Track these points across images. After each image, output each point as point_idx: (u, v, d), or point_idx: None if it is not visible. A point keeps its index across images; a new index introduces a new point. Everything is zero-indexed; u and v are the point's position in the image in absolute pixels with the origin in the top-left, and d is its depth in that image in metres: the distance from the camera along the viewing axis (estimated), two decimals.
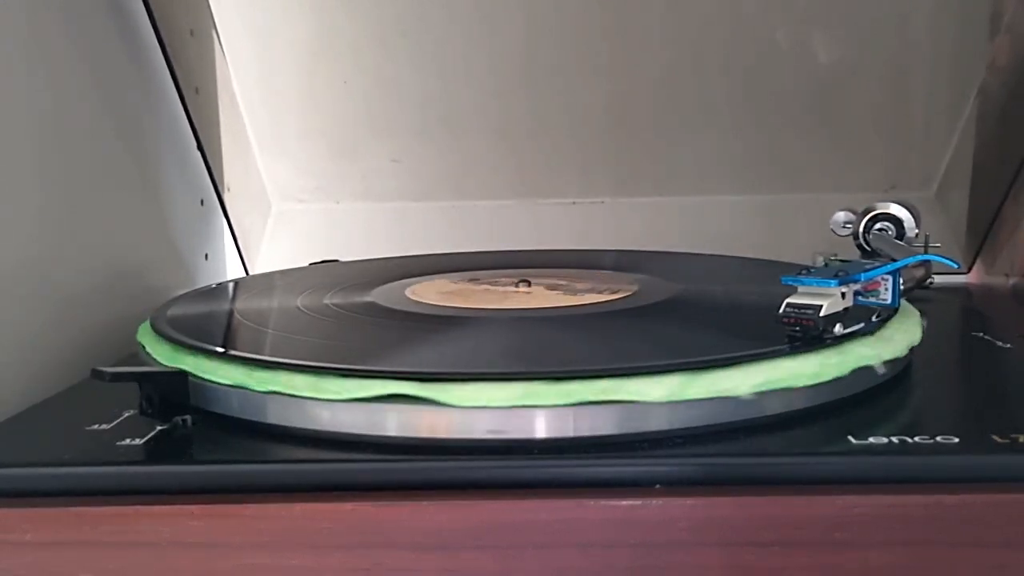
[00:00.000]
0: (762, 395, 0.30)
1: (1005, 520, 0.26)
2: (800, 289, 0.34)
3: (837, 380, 0.32)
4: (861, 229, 0.56)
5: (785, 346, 0.32)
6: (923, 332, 0.37)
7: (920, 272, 0.55)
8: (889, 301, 0.37)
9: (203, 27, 0.62)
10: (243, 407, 0.32)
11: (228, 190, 0.65)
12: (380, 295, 0.46)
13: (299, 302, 0.45)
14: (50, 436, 0.32)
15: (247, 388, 0.31)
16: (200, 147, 0.61)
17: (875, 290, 0.37)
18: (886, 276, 0.36)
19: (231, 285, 0.55)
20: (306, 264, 0.61)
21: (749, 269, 0.54)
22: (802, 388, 0.31)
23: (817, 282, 0.34)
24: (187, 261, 0.60)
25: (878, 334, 0.35)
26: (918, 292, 0.54)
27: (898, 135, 0.68)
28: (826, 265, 0.37)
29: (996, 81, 0.63)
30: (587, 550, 0.27)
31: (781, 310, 0.33)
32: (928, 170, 0.70)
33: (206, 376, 0.33)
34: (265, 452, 0.30)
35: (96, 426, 0.32)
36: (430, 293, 0.46)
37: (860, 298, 0.36)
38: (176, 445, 0.30)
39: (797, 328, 0.33)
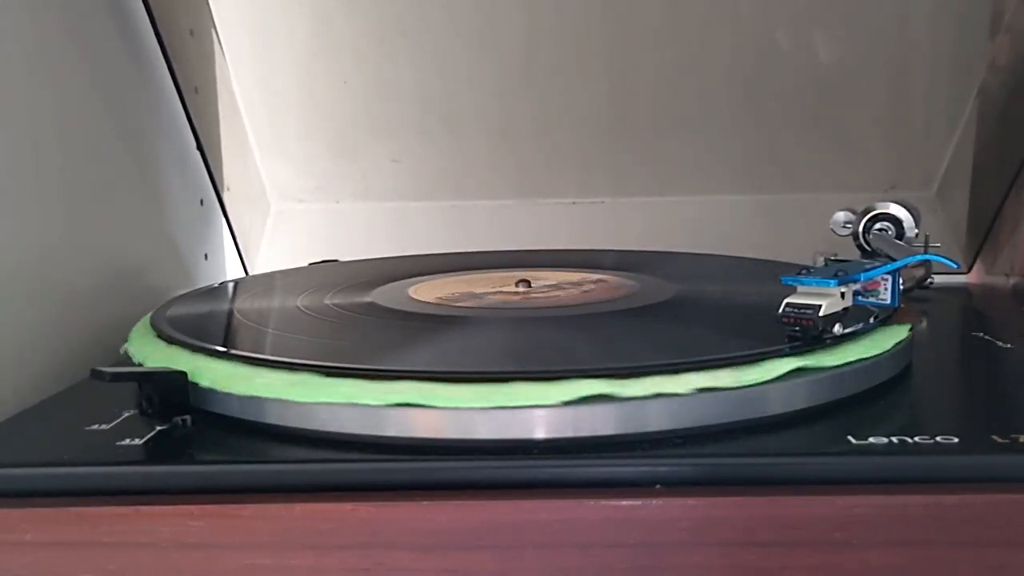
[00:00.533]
0: (761, 395, 0.30)
1: (1005, 520, 0.26)
2: (800, 289, 0.34)
3: (837, 380, 0.32)
4: (861, 229, 0.56)
5: (786, 346, 0.32)
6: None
7: (920, 272, 0.55)
8: (889, 301, 0.37)
9: (203, 27, 0.62)
10: (243, 407, 0.32)
11: (228, 190, 0.65)
12: (380, 295, 0.46)
13: (299, 302, 0.45)
14: (50, 436, 0.32)
15: (247, 394, 0.31)
16: (200, 147, 0.61)
17: (875, 290, 0.37)
18: (886, 276, 0.36)
19: (231, 285, 0.55)
20: (306, 264, 0.61)
21: (749, 269, 0.54)
22: (802, 388, 0.31)
23: (817, 282, 0.34)
24: (187, 261, 0.60)
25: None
26: (918, 292, 0.54)
27: (898, 135, 0.68)
28: (826, 265, 0.37)
29: (996, 81, 0.63)
30: (587, 550, 0.27)
31: (781, 310, 0.33)
32: (928, 170, 0.70)
33: (204, 384, 0.33)
34: (265, 452, 0.30)
35: (96, 426, 0.32)
36: (430, 293, 0.46)
37: (860, 298, 0.36)
38: (176, 445, 0.30)
39: (797, 328, 0.33)
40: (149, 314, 0.42)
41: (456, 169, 0.72)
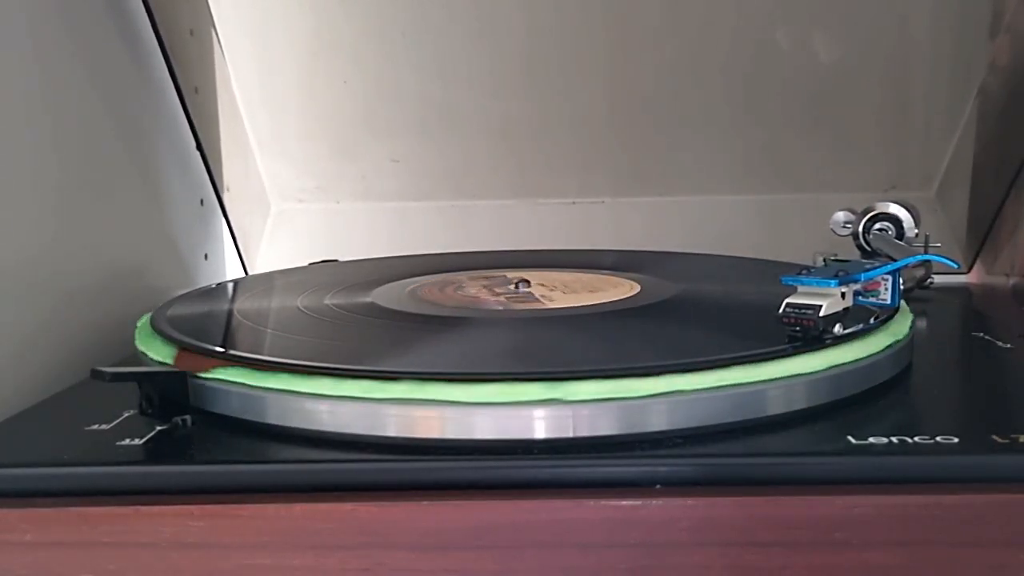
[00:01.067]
0: (761, 395, 0.30)
1: (1005, 520, 0.26)
2: (800, 289, 0.34)
3: (837, 380, 0.32)
4: (861, 229, 0.56)
5: (786, 346, 0.32)
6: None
7: (920, 272, 0.55)
8: (889, 301, 0.37)
9: (203, 27, 0.62)
10: (243, 407, 0.32)
11: (228, 190, 0.65)
12: (380, 295, 0.46)
13: (299, 302, 0.45)
14: (50, 436, 0.33)
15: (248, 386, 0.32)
16: (200, 147, 0.61)
17: (875, 290, 0.37)
18: (886, 276, 0.36)
19: (231, 285, 0.55)
20: (306, 264, 0.61)
21: (749, 269, 0.54)
22: (802, 388, 0.31)
23: (817, 282, 0.34)
24: (187, 261, 0.60)
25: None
26: (918, 292, 0.54)
27: (898, 135, 0.68)
28: (826, 265, 0.37)
29: (996, 81, 0.63)
30: (587, 550, 0.27)
31: (781, 310, 0.33)
32: (928, 170, 0.70)
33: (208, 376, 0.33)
34: (265, 452, 0.30)
35: (96, 426, 0.32)
36: (430, 293, 0.46)
37: (860, 298, 0.36)
38: (176, 445, 0.30)
39: (797, 328, 0.33)
40: (149, 314, 0.42)
41: (456, 169, 0.72)
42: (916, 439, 0.29)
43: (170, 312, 0.42)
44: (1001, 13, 0.62)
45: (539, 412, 0.29)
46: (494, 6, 0.65)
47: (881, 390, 0.34)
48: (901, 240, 0.55)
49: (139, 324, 0.41)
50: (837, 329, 0.34)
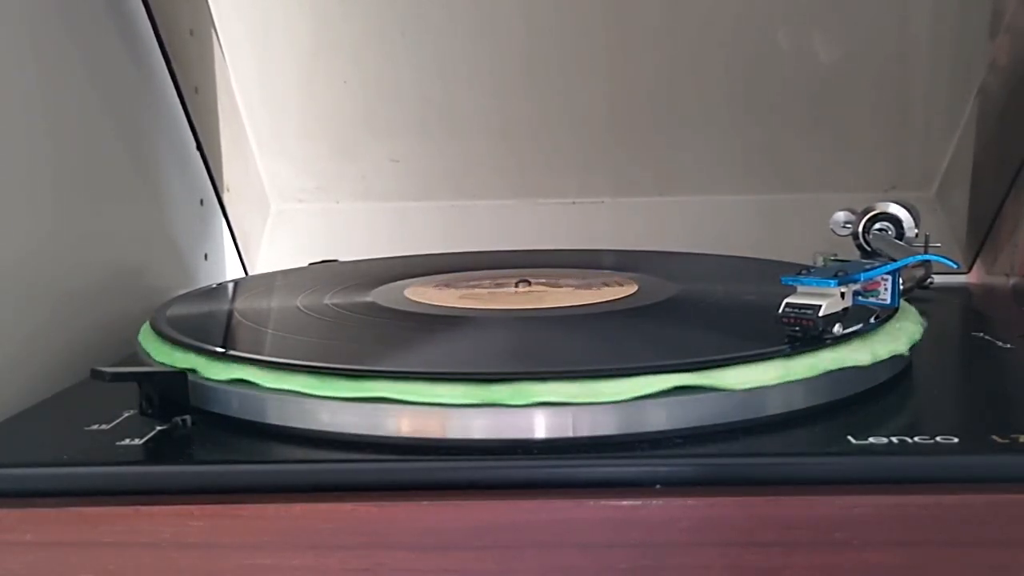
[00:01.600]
0: (761, 395, 0.30)
1: (1005, 520, 0.26)
2: (800, 289, 0.34)
3: (837, 380, 0.32)
4: (861, 229, 0.56)
5: (785, 346, 0.32)
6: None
7: (920, 272, 0.55)
8: (889, 301, 0.37)
9: (203, 27, 0.62)
10: (243, 407, 0.32)
11: (228, 190, 0.65)
12: (380, 295, 0.46)
13: (299, 302, 0.45)
14: (50, 436, 0.33)
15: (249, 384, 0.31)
16: (200, 147, 0.61)
17: (875, 290, 0.37)
18: (886, 276, 0.36)
19: (231, 285, 0.55)
20: (306, 264, 0.61)
21: (749, 269, 0.54)
22: (802, 388, 0.31)
23: (816, 282, 0.34)
24: (187, 261, 0.60)
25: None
26: (918, 292, 0.54)
27: (898, 135, 0.68)
28: (826, 265, 0.37)
29: (996, 81, 0.63)
30: (587, 550, 0.27)
31: (780, 310, 0.33)
32: (928, 170, 0.70)
33: (209, 377, 0.33)
34: (265, 452, 0.30)
35: (96, 426, 0.32)
36: (430, 293, 0.46)
37: (860, 298, 0.36)
38: (176, 445, 0.30)
39: (797, 328, 0.33)
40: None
41: (456, 169, 0.72)
42: (916, 439, 0.29)
43: (170, 312, 0.42)
44: (1001, 13, 0.62)
45: (539, 412, 0.29)
46: (494, 6, 0.65)
47: (881, 390, 0.34)
48: (901, 240, 0.55)
49: (143, 329, 0.41)
50: (836, 329, 0.34)
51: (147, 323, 0.41)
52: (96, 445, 0.30)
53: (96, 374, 0.31)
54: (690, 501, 0.27)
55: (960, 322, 0.50)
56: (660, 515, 0.27)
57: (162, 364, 0.35)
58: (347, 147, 0.71)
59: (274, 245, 0.73)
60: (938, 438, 0.29)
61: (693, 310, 0.43)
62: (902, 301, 0.38)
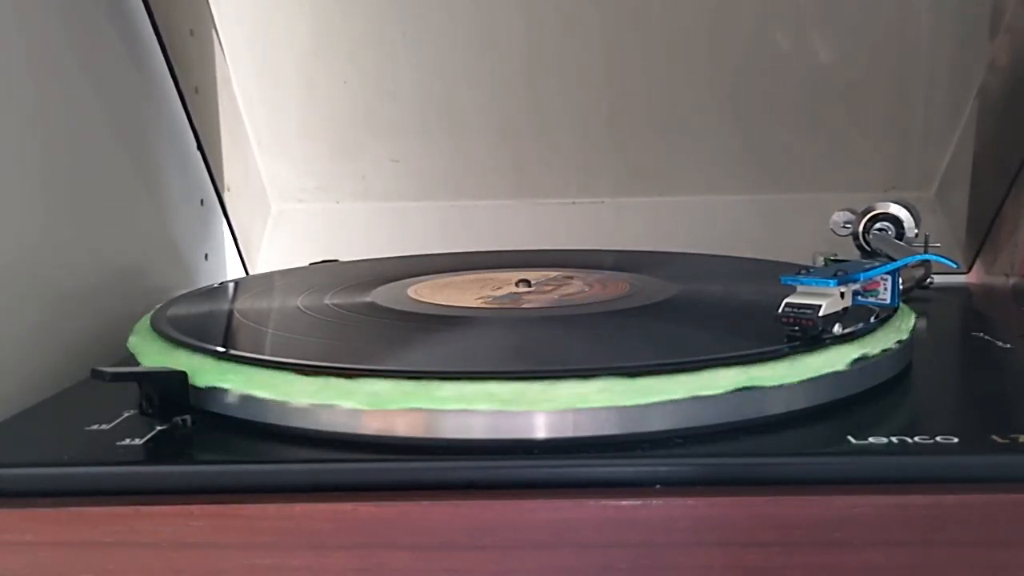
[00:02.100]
0: (761, 395, 0.30)
1: (1005, 520, 0.26)
2: (799, 289, 0.34)
3: (837, 380, 0.32)
4: (861, 229, 0.56)
5: (785, 346, 0.32)
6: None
7: (920, 272, 0.55)
8: (888, 301, 0.37)
9: (203, 27, 0.62)
10: (243, 407, 0.32)
11: (228, 190, 0.65)
12: (380, 295, 0.46)
13: (299, 302, 0.45)
14: (50, 436, 0.32)
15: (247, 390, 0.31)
16: (200, 147, 0.61)
17: (874, 290, 0.37)
18: (885, 276, 0.36)
19: (231, 285, 0.55)
20: (306, 264, 0.61)
21: (749, 269, 0.54)
22: (802, 388, 0.31)
23: (816, 282, 0.34)
24: (187, 261, 0.60)
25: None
26: (918, 292, 0.54)
27: (898, 135, 0.68)
28: (826, 265, 0.37)
29: (996, 81, 0.63)
30: (587, 550, 0.27)
31: (780, 310, 0.33)
32: (928, 170, 0.70)
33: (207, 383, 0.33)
34: (265, 452, 0.30)
35: (96, 426, 0.32)
36: (430, 293, 0.46)
37: (859, 298, 0.36)
38: (176, 445, 0.30)
39: (796, 328, 0.33)
40: (149, 313, 0.42)
41: (456, 169, 0.72)
42: (916, 439, 0.29)
43: (170, 312, 0.42)
44: (1001, 13, 0.62)
45: (539, 412, 0.29)
46: (494, 6, 0.65)
47: (881, 390, 0.34)
48: (901, 240, 0.55)
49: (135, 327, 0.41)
50: (836, 329, 0.34)
51: (143, 321, 0.41)
52: (96, 445, 0.30)
53: (96, 374, 0.31)
54: (690, 501, 0.27)
55: (960, 322, 0.50)
56: (660, 515, 0.27)
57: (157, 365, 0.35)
58: (347, 147, 0.71)
59: (274, 245, 0.73)
60: (938, 438, 0.29)
61: (693, 310, 0.43)
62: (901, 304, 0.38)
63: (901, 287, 0.37)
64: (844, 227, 0.57)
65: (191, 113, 0.59)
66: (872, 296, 0.37)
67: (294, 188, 0.74)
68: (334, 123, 0.70)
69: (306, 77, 0.68)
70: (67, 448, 0.30)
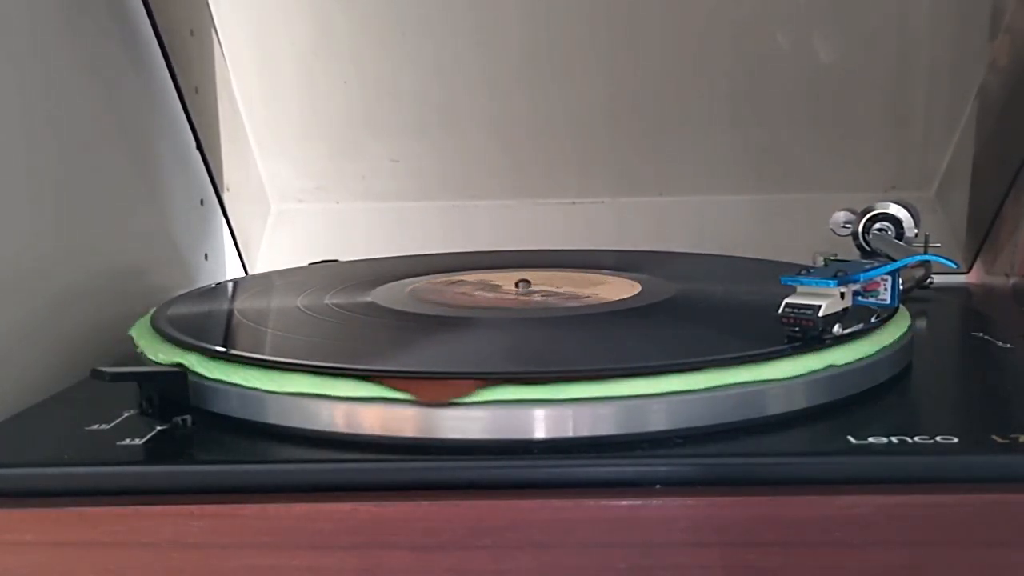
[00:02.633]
0: (761, 395, 0.30)
1: (1005, 520, 0.26)
2: (799, 289, 0.34)
3: (837, 380, 0.32)
4: (861, 229, 0.56)
5: (785, 346, 0.32)
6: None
7: (920, 272, 0.55)
8: (888, 301, 0.37)
9: (203, 27, 0.62)
10: (243, 407, 0.32)
11: (228, 190, 0.65)
12: (380, 295, 0.46)
13: (299, 302, 0.45)
14: (50, 436, 0.32)
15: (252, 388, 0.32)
16: (200, 147, 0.61)
17: (875, 290, 0.37)
18: (885, 276, 0.36)
19: (231, 285, 0.55)
20: (306, 264, 0.61)
21: (749, 269, 0.54)
22: (802, 388, 0.31)
23: (816, 282, 0.34)
24: (187, 261, 0.60)
25: None
26: (918, 292, 0.54)
27: (898, 135, 0.68)
28: (826, 265, 0.37)
29: (996, 81, 0.63)
30: (587, 550, 0.27)
31: (780, 310, 0.33)
32: (928, 170, 0.70)
33: (209, 376, 0.33)
34: (265, 452, 0.30)
35: (96, 426, 0.32)
36: (430, 293, 0.46)
37: (860, 298, 0.36)
38: (176, 445, 0.30)
39: (796, 328, 0.33)
40: (149, 313, 0.42)
41: (456, 169, 0.72)
42: (916, 439, 0.29)
43: (170, 312, 0.42)
44: (1001, 13, 0.62)
45: (539, 412, 0.29)
46: (494, 6, 0.65)
47: (881, 390, 0.34)
48: (901, 240, 0.55)
49: (135, 325, 0.41)
50: (836, 329, 0.34)
51: (143, 320, 0.41)
52: (96, 445, 0.30)
53: (96, 374, 0.31)
54: (690, 501, 0.27)
55: (960, 322, 0.50)
56: (660, 515, 0.27)
57: (158, 364, 0.35)
58: (347, 147, 0.71)
59: (274, 245, 0.73)
60: (938, 438, 0.29)
61: (693, 310, 0.43)
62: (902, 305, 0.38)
63: (901, 287, 0.37)
64: (844, 227, 0.57)
65: (191, 113, 0.59)
66: (872, 296, 0.37)
67: (294, 188, 0.74)
68: (334, 123, 0.70)
69: (306, 77, 0.68)
70: (67, 448, 0.30)
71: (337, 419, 0.30)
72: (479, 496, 0.27)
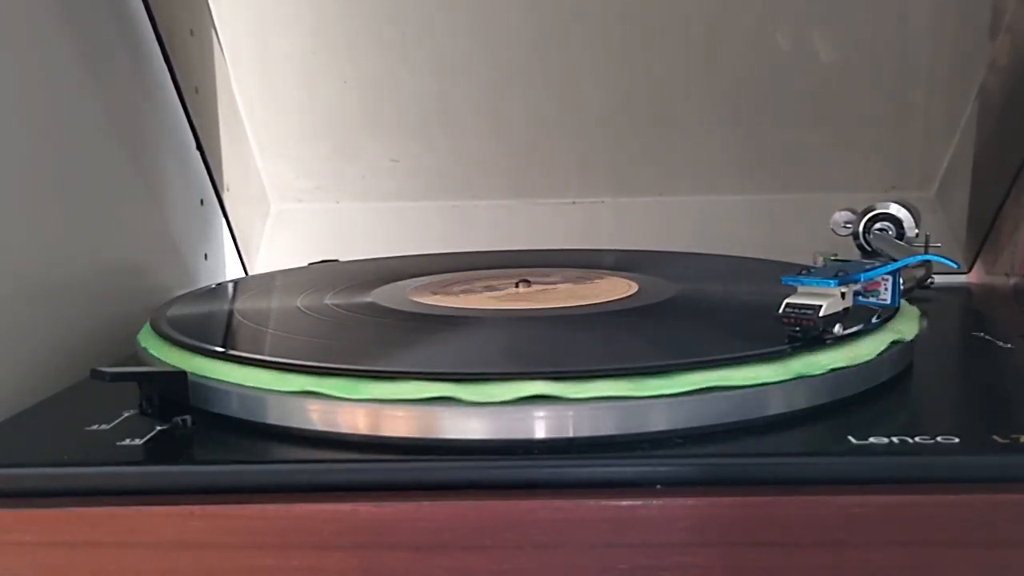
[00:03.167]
0: (761, 395, 0.30)
1: (1005, 520, 0.26)
2: (800, 289, 0.34)
3: (838, 380, 0.32)
4: (861, 229, 0.56)
5: (786, 346, 0.32)
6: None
7: (920, 272, 0.55)
8: (889, 301, 0.37)
9: (203, 27, 0.62)
10: (243, 407, 0.32)
11: (228, 190, 0.65)
12: (380, 295, 0.46)
13: (299, 302, 0.45)
14: (50, 436, 0.32)
15: (250, 388, 0.32)
16: (200, 147, 0.61)
17: (875, 290, 0.37)
18: (886, 276, 0.36)
19: (231, 285, 0.55)
20: (306, 264, 0.61)
21: (749, 269, 0.54)
22: (802, 388, 0.31)
23: (817, 282, 0.34)
24: (187, 261, 0.60)
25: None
26: (918, 292, 0.54)
27: (898, 135, 0.68)
28: (826, 265, 0.37)
29: (996, 81, 0.63)
30: (587, 550, 0.27)
31: (781, 310, 0.33)
32: (928, 170, 0.70)
33: (210, 376, 0.33)
34: (265, 452, 0.30)
35: (96, 426, 0.32)
36: (430, 293, 0.46)
37: (860, 298, 0.36)
38: (176, 445, 0.30)
39: (797, 328, 0.33)
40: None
41: (456, 169, 0.72)
42: (916, 439, 0.29)
43: (170, 312, 0.42)
44: (1001, 13, 0.62)
45: (539, 412, 0.29)
46: (494, 6, 0.65)
47: (881, 390, 0.34)
48: (901, 240, 0.55)
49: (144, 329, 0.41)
50: (837, 329, 0.34)
51: (147, 323, 0.41)
52: (96, 445, 0.30)
53: (96, 374, 0.31)
54: (690, 501, 0.27)
55: (960, 322, 0.50)
56: (660, 515, 0.27)
57: (164, 364, 0.35)
58: (347, 147, 0.71)
59: (274, 245, 0.73)
60: (938, 438, 0.29)
61: (693, 310, 0.43)
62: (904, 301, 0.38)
63: (902, 287, 0.37)
64: (844, 227, 0.57)
65: (191, 113, 0.59)
66: (873, 296, 0.37)
67: (294, 188, 0.74)
68: (334, 123, 0.70)
69: (306, 77, 0.68)
70: (67, 448, 0.30)
71: (337, 419, 0.30)
72: (479, 496, 0.27)
